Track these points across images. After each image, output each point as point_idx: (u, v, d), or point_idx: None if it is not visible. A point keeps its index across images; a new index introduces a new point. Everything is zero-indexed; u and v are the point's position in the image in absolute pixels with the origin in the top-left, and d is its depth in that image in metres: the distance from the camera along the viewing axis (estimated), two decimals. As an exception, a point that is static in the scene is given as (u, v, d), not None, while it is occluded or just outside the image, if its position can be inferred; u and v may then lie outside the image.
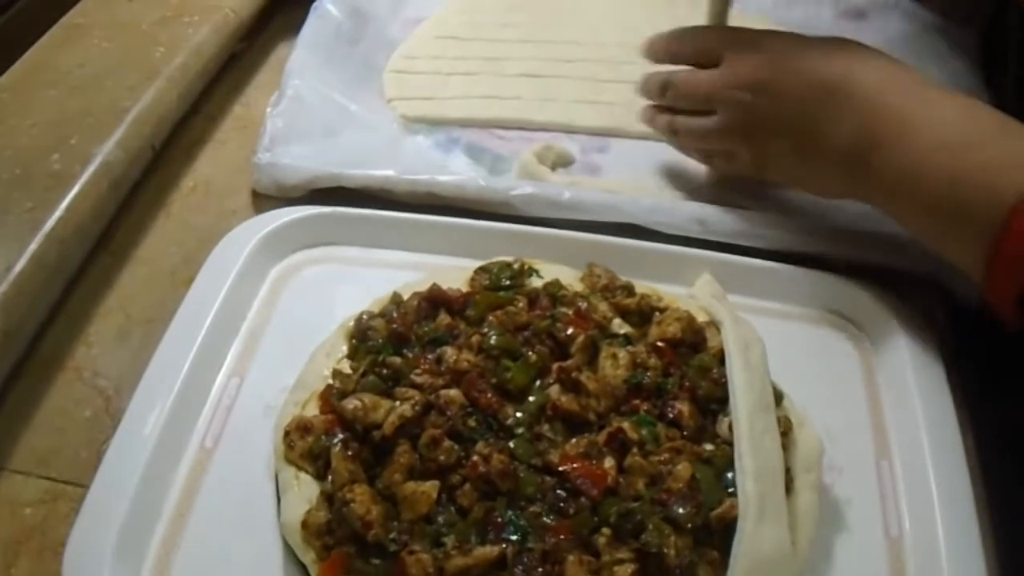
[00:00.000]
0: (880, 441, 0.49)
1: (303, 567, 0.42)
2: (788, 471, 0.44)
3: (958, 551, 0.43)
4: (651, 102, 0.59)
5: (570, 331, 0.47)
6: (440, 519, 0.41)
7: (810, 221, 0.56)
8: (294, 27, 0.71)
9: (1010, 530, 0.46)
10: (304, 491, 0.43)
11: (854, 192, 0.51)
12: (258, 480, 0.46)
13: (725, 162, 0.57)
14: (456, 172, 0.60)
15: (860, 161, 0.49)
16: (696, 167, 0.61)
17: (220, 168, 0.64)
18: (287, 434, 0.44)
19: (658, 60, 0.58)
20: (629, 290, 0.51)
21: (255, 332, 0.52)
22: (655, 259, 0.54)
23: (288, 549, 0.43)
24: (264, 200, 0.60)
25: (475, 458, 0.42)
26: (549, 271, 0.52)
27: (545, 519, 0.41)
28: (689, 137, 0.58)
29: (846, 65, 0.50)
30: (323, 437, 0.44)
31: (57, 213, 0.53)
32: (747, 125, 0.53)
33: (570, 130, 0.64)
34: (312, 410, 0.46)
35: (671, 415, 0.44)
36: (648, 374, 0.46)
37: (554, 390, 0.45)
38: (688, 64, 0.56)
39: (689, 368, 0.47)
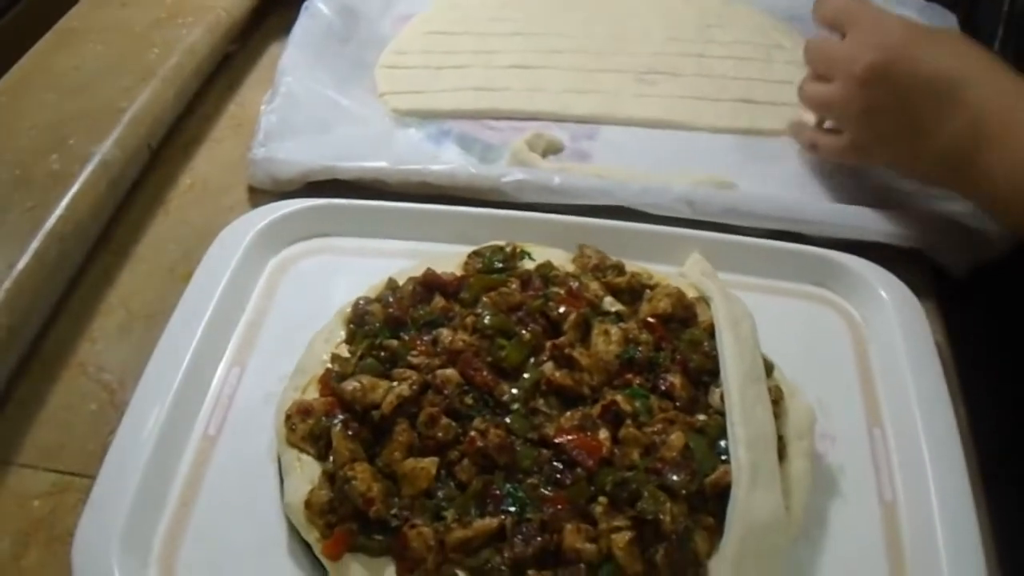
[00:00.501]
0: (872, 410, 0.49)
1: (308, 547, 0.43)
2: (780, 439, 0.45)
3: (951, 513, 0.44)
4: None
5: (562, 309, 0.48)
6: (440, 494, 0.42)
7: (796, 199, 0.57)
8: (286, 27, 0.73)
9: (1003, 501, 0.47)
10: (306, 472, 0.44)
11: (955, 185, 0.53)
12: (261, 465, 0.47)
13: (830, 142, 0.58)
14: (448, 162, 0.61)
15: (966, 158, 0.51)
16: (685, 152, 0.63)
17: (216, 166, 0.65)
18: (288, 417, 0.45)
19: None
20: (619, 269, 0.52)
21: (254, 323, 0.53)
22: (645, 240, 0.55)
23: (292, 530, 0.44)
24: (260, 195, 0.61)
25: (472, 434, 0.43)
26: (541, 254, 0.53)
27: (542, 490, 0.42)
28: (807, 99, 0.59)
29: (960, 63, 0.52)
30: (323, 419, 0.45)
31: (57, 211, 0.54)
32: (858, 101, 0.54)
33: (559, 119, 0.65)
34: (312, 394, 0.47)
35: (663, 387, 0.45)
36: (640, 349, 0.47)
37: (548, 366, 0.46)
38: (825, 27, 0.58)
39: (680, 342, 0.47)
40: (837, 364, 0.52)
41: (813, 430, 0.46)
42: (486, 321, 0.47)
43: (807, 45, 0.60)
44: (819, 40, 0.59)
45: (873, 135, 0.55)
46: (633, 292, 0.50)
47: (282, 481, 0.45)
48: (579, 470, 0.42)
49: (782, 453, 0.44)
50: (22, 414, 0.51)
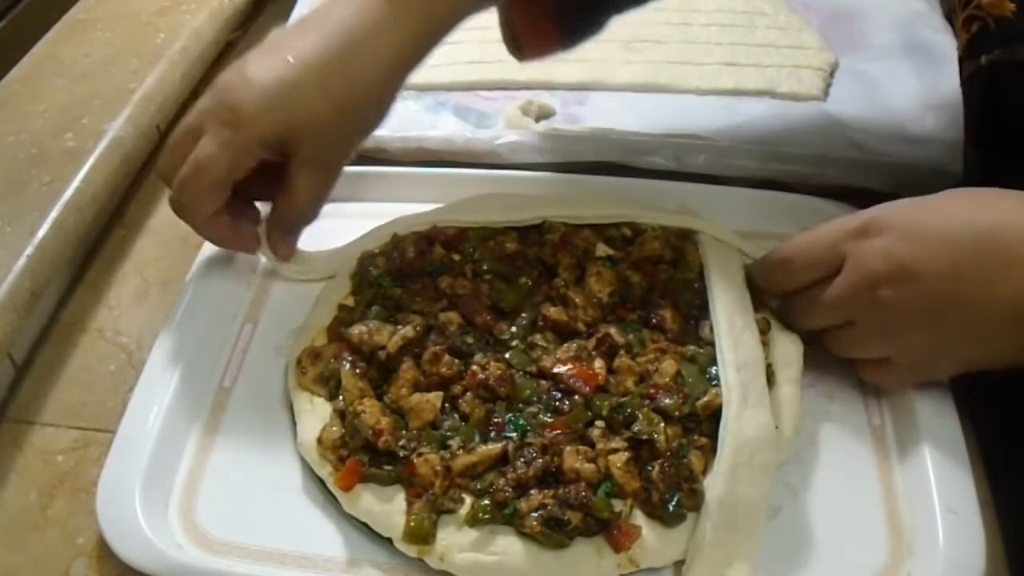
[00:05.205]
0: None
1: (321, 483, 0.45)
2: (769, 366, 0.47)
3: (938, 433, 0.45)
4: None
5: (557, 255, 0.50)
6: (445, 425, 0.44)
7: (778, 150, 0.59)
8: (285, 15, 0.75)
9: (988, 420, 0.48)
10: (318, 413, 0.46)
11: None
12: (274, 412, 0.49)
13: (879, 373, 0.47)
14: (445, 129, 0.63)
15: None
16: (671, 114, 0.65)
17: (223, 144, 0.68)
18: (299, 361, 0.48)
19: (786, 291, 0.48)
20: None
21: (264, 283, 0.55)
22: (634, 193, 0.57)
23: (306, 470, 0.46)
24: (266, 169, 0.64)
25: (474, 368, 0.45)
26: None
27: (542, 417, 0.44)
28: (843, 351, 0.47)
29: (984, 214, 0.42)
30: (332, 361, 0.47)
31: (74, 184, 0.56)
32: (894, 324, 0.44)
33: (550, 87, 0.68)
34: (321, 342, 0.49)
35: (655, 321, 0.47)
36: (632, 288, 0.49)
37: (544, 305, 0.48)
38: (814, 279, 0.46)
39: (670, 281, 0.50)
40: (824, 301, 0.53)
41: (800, 358, 0.48)
42: (485, 267, 0.50)
43: (797, 308, 0.48)
44: (810, 296, 0.46)
45: (927, 344, 0.44)
46: (624, 238, 0.53)
47: (295, 425, 0.47)
48: (576, 397, 0.44)
49: (771, 380, 0.46)
50: (44, 377, 0.53)
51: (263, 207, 0.51)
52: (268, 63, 0.46)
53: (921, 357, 0.45)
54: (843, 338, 0.46)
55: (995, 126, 0.49)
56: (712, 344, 0.46)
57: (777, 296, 0.49)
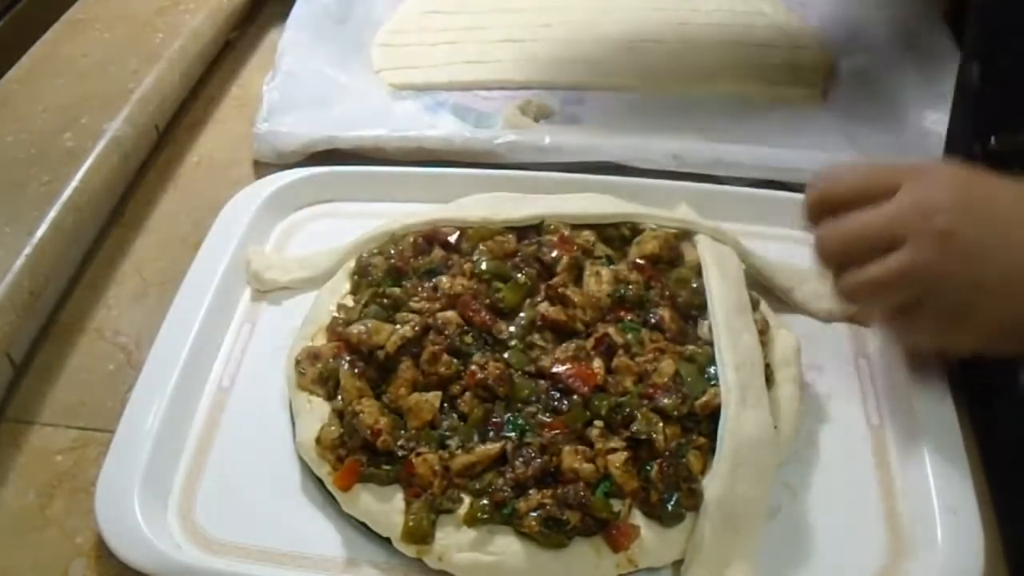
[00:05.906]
0: (858, 341, 0.51)
1: (320, 483, 0.45)
2: (768, 366, 0.47)
3: (937, 434, 0.45)
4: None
5: (555, 254, 0.50)
6: (444, 425, 0.44)
7: (777, 150, 0.59)
8: (284, 14, 0.75)
9: (988, 421, 0.48)
10: (316, 413, 0.46)
11: None
12: (273, 412, 0.49)
13: (904, 323, 0.45)
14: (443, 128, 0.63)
15: None
16: (670, 113, 0.65)
17: (222, 144, 0.68)
18: (298, 362, 0.48)
19: (820, 216, 0.45)
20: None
21: (263, 282, 0.56)
22: (634, 193, 0.57)
23: (304, 469, 0.46)
24: (265, 168, 0.64)
25: (472, 367, 0.45)
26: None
27: (541, 417, 0.44)
28: (867, 291, 0.44)
29: None
30: (331, 361, 0.47)
31: (73, 184, 0.56)
32: (945, 254, 0.41)
33: (549, 87, 0.68)
34: (320, 342, 0.49)
35: (653, 321, 0.47)
36: (630, 288, 0.49)
37: (543, 305, 0.48)
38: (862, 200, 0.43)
39: (669, 281, 0.50)
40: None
41: (799, 358, 0.48)
42: (483, 267, 0.50)
43: (843, 227, 0.44)
44: (859, 213, 0.43)
45: (975, 287, 0.41)
46: (623, 239, 0.53)
47: (294, 425, 0.47)
48: (575, 397, 0.44)
49: (770, 380, 0.46)
50: (42, 377, 0.53)
51: None
52: None
53: (956, 302, 0.41)
54: (884, 272, 0.42)
55: (1000, 40, 0.49)
56: (711, 344, 0.46)
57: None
